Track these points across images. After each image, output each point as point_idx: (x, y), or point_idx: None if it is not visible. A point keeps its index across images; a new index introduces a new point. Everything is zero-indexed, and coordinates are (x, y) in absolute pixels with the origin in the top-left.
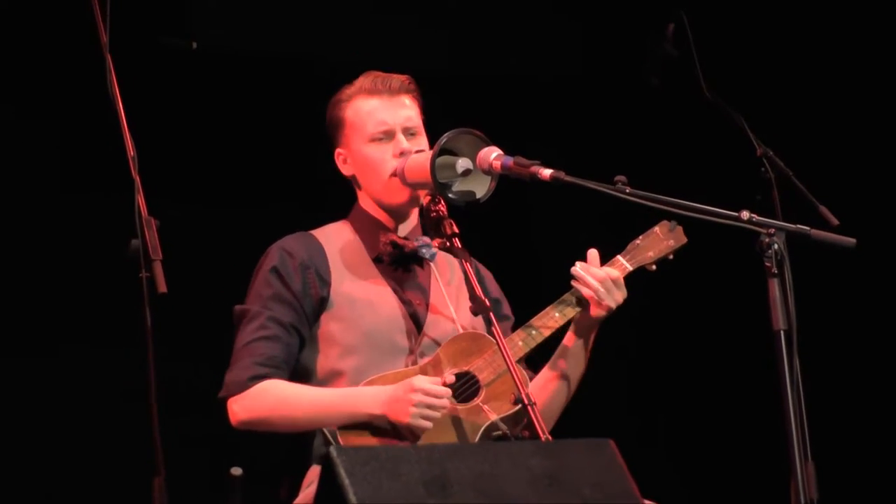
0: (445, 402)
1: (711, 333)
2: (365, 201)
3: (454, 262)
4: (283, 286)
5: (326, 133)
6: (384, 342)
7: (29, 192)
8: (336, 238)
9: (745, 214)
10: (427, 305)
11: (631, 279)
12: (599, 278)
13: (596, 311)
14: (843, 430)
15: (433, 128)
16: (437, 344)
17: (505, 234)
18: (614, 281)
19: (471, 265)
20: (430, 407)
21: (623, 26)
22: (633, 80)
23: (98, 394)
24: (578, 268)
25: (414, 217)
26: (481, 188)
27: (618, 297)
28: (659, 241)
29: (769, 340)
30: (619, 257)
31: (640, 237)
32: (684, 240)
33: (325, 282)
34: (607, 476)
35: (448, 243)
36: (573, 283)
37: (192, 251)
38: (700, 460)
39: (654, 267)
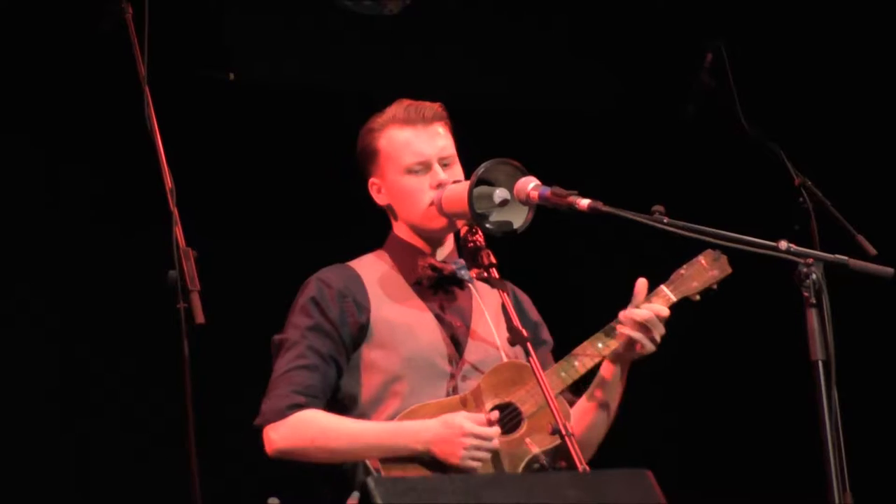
0: (496, 443)
1: (749, 363)
2: (400, 229)
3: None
4: (322, 316)
5: (358, 163)
6: (425, 367)
7: (68, 224)
8: (373, 267)
9: (783, 244)
10: (468, 328)
11: (672, 309)
12: (644, 319)
13: (640, 350)
14: (882, 460)
15: (470, 160)
16: (478, 368)
17: (545, 260)
18: (660, 318)
19: (508, 294)
20: (480, 449)
21: (660, 58)
22: (671, 110)
23: (136, 424)
24: (624, 314)
25: (450, 242)
26: (518, 218)
27: (661, 333)
28: (703, 272)
29: (807, 371)
30: (663, 287)
31: (685, 267)
32: (729, 270)
33: (364, 308)
34: None
35: (486, 273)
36: (618, 327)
37: (229, 283)
38: (738, 490)
39: (697, 297)
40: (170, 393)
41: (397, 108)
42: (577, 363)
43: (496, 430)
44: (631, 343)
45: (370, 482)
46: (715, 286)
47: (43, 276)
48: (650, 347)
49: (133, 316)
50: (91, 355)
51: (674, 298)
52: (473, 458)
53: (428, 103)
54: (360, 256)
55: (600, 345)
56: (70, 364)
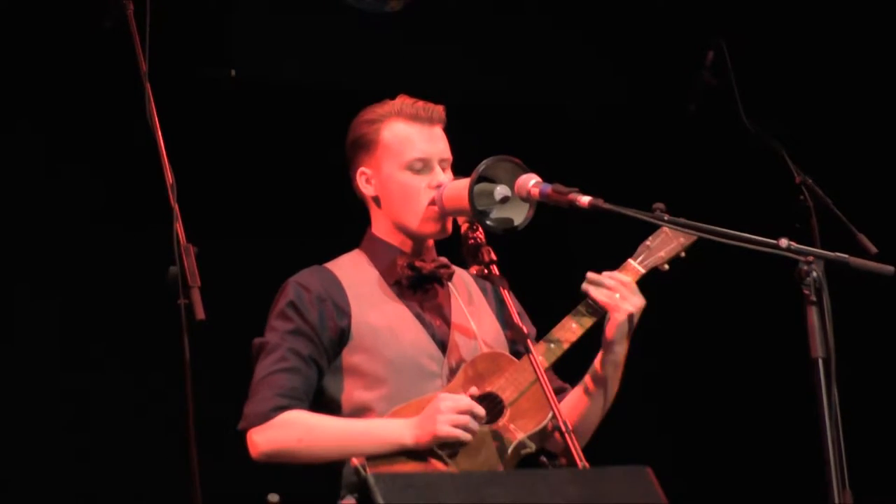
0: (471, 405)
1: (750, 361)
2: (379, 226)
3: (471, 280)
4: (301, 319)
5: (346, 150)
6: (411, 369)
7: (67, 221)
8: (351, 269)
9: (784, 242)
10: (450, 327)
11: (642, 281)
12: (610, 285)
13: (615, 318)
14: (881, 458)
15: (471, 157)
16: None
17: (543, 254)
18: (626, 286)
19: (508, 293)
20: (458, 413)
21: (661, 56)
22: (671, 108)
23: (136, 420)
24: (588, 277)
25: (430, 241)
26: (519, 215)
27: (636, 302)
28: (669, 241)
29: (807, 368)
30: (630, 261)
31: (650, 238)
32: (694, 237)
33: (344, 313)
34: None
35: (486, 270)
36: (585, 289)
37: (230, 280)
38: (737, 488)
39: (666, 267)
40: (170, 389)
41: (402, 103)
42: (553, 345)
43: (472, 402)
44: (606, 318)
45: (370, 479)
46: (683, 254)
47: (43, 272)
48: (625, 313)
49: (133, 312)
50: (91, 351)
51: (642, 270)
52: (452, 424)
53: (432, 104)
54: (338, 258)
55: (575, 324)
56: (70, 359)
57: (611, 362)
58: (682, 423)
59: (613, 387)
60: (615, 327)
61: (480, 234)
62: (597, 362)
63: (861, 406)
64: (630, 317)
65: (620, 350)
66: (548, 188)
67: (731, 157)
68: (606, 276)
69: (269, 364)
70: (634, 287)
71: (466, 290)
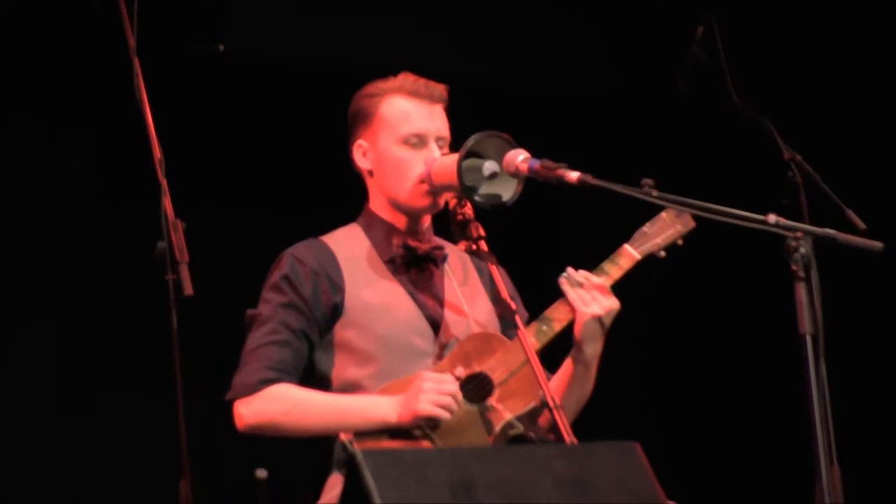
0: (454, 388)
1: (738, 337)
2: (376, 201)
3: (467, 261)
4: (294, 293)
5: (347, 123)
6: (402, 346)
7: (57, 197)
8: (347, 243)
9: (772, 218)
10: (443, 306)
11: (639, 266)
12: (583, 283)
13: (579, 318)
14: (869, 434)
15: (460, 139)
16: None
17: (532, 234)
18: (598, 287)
19: (497, 268)
20: (440, 393)
21: (648, 32)
22: (660, 84)
23: (124, 396)
24: (568, 272)
25: (426, 219)
26: (508, 191)
27: (605, 304)
28: (666, 227)
29: (796, 344)
30: (626, 246)
31: (647, 224)
32: (692, 224)
33: (338, 288)
34: (632, 479)
35: (474, 246)
36: (560, 283)
37: (218, 255)
38: (725, 464)
39: (663, 254)
40: (158, 364)
41: (404, 79)
42: (546, 326)
43: (452, 377)
44: (576, 322)
45: (358, 455)
46: (680, 241)
47: (35, 250)
48: (584, 316)
49: (121, 288)
50: (82, 327)
51: (638, 257)
52: (433, 403)
53: (433, 83)
54: (334, 231)
55: (566, 307)
56: (65, 337)
57: (580, 361)
58: (668, 399)
59: (584, 386)
60: (581, 327)
61: (468, 210)
62: (568, 361)
63: (849, 382)
64: (596, 319)
65: (589, 350)
66: (536, 164)
67: (720, 133)
68: (581, 275)
69: (259, 336)
70: (607, 290)
71: (462, 270)
